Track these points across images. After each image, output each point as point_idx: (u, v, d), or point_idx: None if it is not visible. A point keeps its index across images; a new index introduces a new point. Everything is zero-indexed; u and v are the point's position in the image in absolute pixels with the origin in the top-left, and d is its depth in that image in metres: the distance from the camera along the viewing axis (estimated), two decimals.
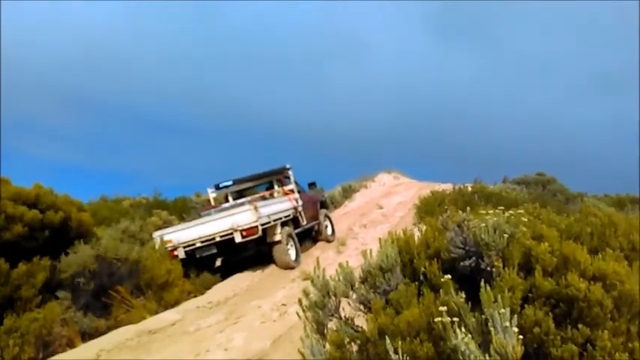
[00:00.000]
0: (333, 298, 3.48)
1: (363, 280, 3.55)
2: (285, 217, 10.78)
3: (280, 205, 10.84)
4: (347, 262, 3.72)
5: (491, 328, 2.45)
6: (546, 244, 3.04)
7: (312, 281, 3.55)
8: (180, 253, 9.43)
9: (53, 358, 5.96)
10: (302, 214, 11.70)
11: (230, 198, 12.60)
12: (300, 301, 3.56)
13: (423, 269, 3.28)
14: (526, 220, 3.39)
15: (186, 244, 9.49)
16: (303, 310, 3.47)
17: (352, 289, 3.55)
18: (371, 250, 3.66)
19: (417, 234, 3.83)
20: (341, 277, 3.56)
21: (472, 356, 2.36)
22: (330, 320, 3.44)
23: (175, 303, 8.04)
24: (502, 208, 3.48)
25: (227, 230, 9.36)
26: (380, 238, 3.73)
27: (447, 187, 17.07)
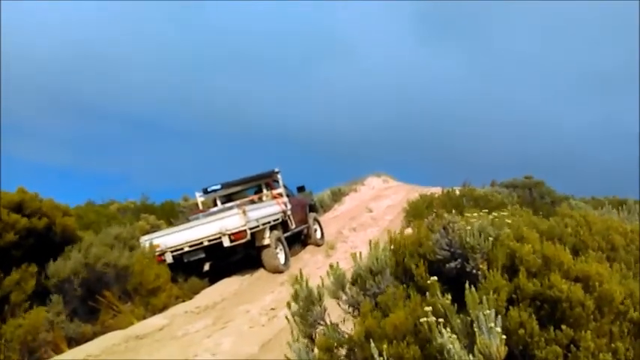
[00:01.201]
0: (319, 307, 3.48)
1: (354, 282, 3.56)
2: (274, 220, 10.77)
3: (269, 208, 10.83)
4: (337, 263, 3.73)
5: (476, 329, 2.47)
6: (529, 245, 3.08)
7: (296, 292, 3.55)
8: (168, 258, 9.37)
9: None
10: (291, 217, 11.70)
11: (218, 202, 12.56)
12: (288, 304, 3.56)
13: (411, 271, 3.29)
14: (510, 221, 3.42)
15: (174, 249, 9.43)
16: (293, 315, 3.47)
17: (343, 290, 3.55)
18: (361, 253, 3.68)
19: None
20: (332, 278, 3.56)
21: (457, 356, 2.38)
22: (317, 327, 3.44)
23: (163, 308, 7.99)
24: (486, 210, 3.51)
25: (215, 234, 9.32)
26: (370, 241, 3.74)
27: (436, 190, 17.17)
